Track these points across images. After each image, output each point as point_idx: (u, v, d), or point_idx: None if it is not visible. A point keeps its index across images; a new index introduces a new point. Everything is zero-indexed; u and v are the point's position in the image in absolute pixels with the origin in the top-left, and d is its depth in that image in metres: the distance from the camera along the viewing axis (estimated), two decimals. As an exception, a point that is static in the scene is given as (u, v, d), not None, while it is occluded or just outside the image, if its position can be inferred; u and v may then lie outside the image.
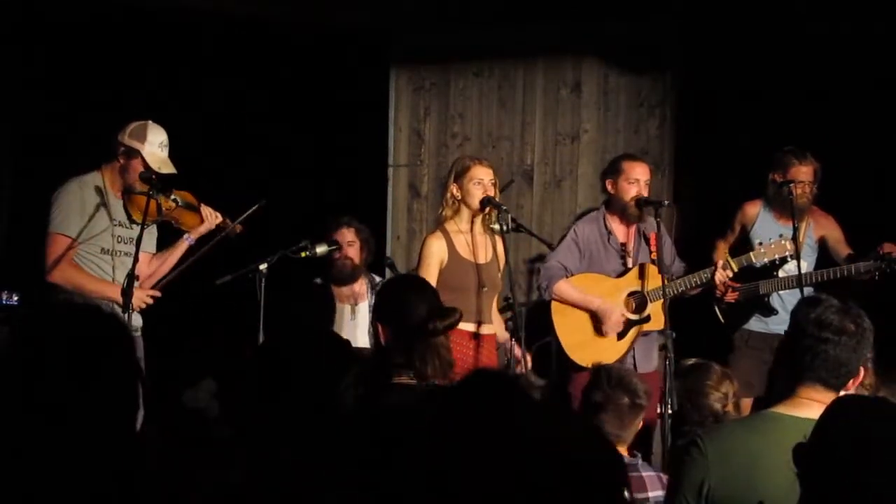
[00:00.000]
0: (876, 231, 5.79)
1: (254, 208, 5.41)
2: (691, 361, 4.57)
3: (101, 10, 6.79)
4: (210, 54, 7.07)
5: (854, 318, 2.85)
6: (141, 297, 5.08)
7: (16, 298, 6.13)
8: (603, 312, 5.68)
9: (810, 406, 2.81)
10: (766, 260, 5.69)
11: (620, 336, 5.72)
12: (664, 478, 3.78)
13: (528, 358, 5.31)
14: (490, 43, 7.20)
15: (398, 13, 7.22)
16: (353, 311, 6.15)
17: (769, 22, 6.49)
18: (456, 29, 7.18)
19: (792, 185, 5.74)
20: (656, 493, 3.79)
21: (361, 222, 6.37)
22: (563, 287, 5.73)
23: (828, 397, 2.78)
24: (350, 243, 6.21)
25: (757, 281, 5.94)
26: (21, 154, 6.97)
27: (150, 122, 5.22)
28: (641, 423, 4.16)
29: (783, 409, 2.86)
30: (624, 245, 5.83)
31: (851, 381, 2.84)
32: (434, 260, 5.34)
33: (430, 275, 5.28)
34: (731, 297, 5.98)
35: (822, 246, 6.00)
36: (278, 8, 7.08)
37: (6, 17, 6.66)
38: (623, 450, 3.95)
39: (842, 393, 2.82)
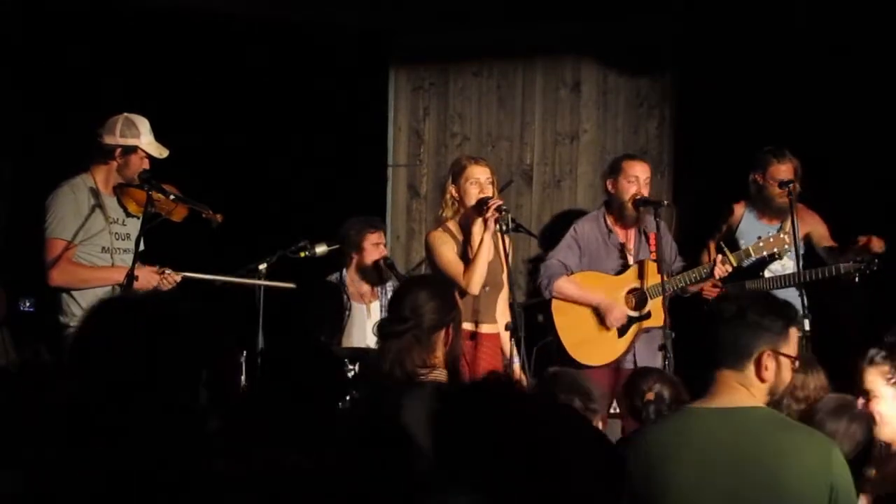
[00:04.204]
0: (875, 229, 5.79)
1: (285, 285, 5.63)
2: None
3: (101, 10, 6.80)
4: (208, 54, 7.07)
5: (735, 304, 2.88)
6: (152, 277, 5.11)
7: (28, 304, 6.14)
8: (605, 307, 5.69)
9: (721, 395, 2.83)
10: (765, 254, 5.73)
11: (621, 333, 5.73)
12: None
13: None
14: (489, 43, 7.20)
15: (398, 13, 7.22)
16: (369, 310, 6.16)
17: (768, 22, 6.49)
18: (455, 29, 7.18)
19: (792, 184, 5.76)
20: None
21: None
22: (564, 284, 5.75)
23: (731, 379, 2.81)
24: (383, 245, 6.23)
25: (743, 280, 5.96)
26: (21, 155, 6.97)
27: (128, 114, 5.24)
28: (602, 427, 4.16)
29: (697, 403, 2.91)
30: (624, 244, 5.84)
31: (753, 364, 2.83)
32: (447, 246, 5.33)
33: (452, 258, 5.28)
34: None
35: (807, 242, 6.01)
36: (278, 8, 7.08)
37: (5, 17, 6.66)
38: None
39: (747, 373, 2.83)
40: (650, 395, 4.02)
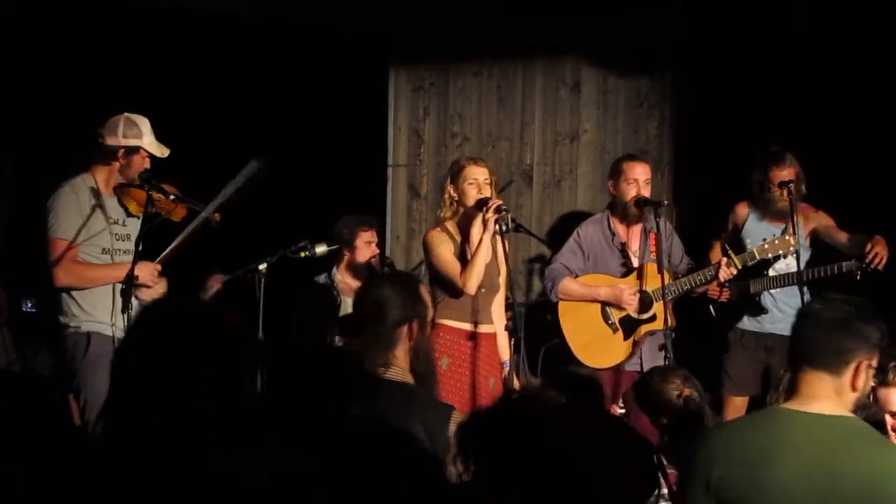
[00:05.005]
0: (874, 228, 5.79)
1: (250, 168, 5.28)
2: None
3: (101, 10, 6.80)
4: (209, 54, 7.08)
5: (839, 308, 2.87)
6: (147, 272, 5.10)
7: (29, 304, 6.14)
8: (614, 296, 5.69)
9: (815, 400, 2.83)
10: (770, 256, 5.72)
11: (627, 336, 5.73)
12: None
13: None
14: (489, 43, 7.21)
15: (398, 13, 7.22)
16: None
17: (768, 22, 6.49)
18: (455, 29, 7.18)
19: (792, 184, 5.75)
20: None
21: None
22: (569, 284, 5.75)
23: (826, 383, 2.81)
24: (375, 243, 6.26)
25: (747, 280, 5.96)
26: (21, 155, 6.97)
27: (128, 114, 5.23)
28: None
29: (789, 405, 2.89)
30: (627, 245, 5.84)
31: (851, 372, 2.83)
32: (445, 246, 5.32)
33: (450, 258, 5.27)
34: (723, 296, 6.01)
35: (816, 239, 6.00)
36: (278, 8, 7.08)
37: (5, 17, 6.66)
38: None
39: (844, 380, 2.82)
40: (686, 392, 4.01)
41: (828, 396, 2.83)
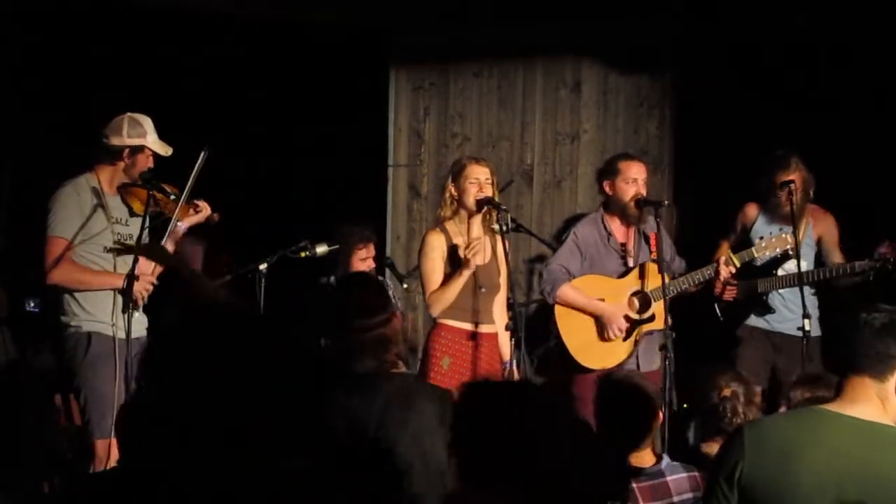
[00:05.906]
0: (875, 232, 5.79)
1: (201, 159, 5.18)
2: None
3: (101, 10, 6.80)
4: (209, 54, 7.08)
5: (884, 315, 2.86)
6: (140, 288, 5.09)
7: (33, 304, 6.13)
8: (607, 318, 5.66)
9: (857, 403, 2.82)
10: (767, 254, 5.72)
11: (625, 337, 5.72)
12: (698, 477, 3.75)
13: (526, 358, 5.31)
14: (490, 43, 7.21)
15: (398, 13, 7.23)
16: None
17: (768, 22, 6.49)
18: (455, 29, 7.18)
19: (792, 185, 5.75)
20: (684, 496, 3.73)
21: (364, 223, 6.39)
22: (568, 291, 5.71)
23: (869, 389, 2.80)
24: (372, 258, 6.27)
25: (755, 279, 5.95)
26: (21, 156, 6.97)
27: (131, 114, 5.24)
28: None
29: (830, 406, 2.88)
30: (624, 245, 5.83)
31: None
32: (437, 253, 5.34)
33: (436, 268, 5.30)
34: (729, 294, 5.99)
35: (820, 244, 6.01)
36: (278, 8, 7.09)
37: (5, 17, 6.66)
38: (648, 453, 3.86)
39: (888, 386, 2.81)
40: (727, 392, 3.99)
41: (871, 402, 2.81)
